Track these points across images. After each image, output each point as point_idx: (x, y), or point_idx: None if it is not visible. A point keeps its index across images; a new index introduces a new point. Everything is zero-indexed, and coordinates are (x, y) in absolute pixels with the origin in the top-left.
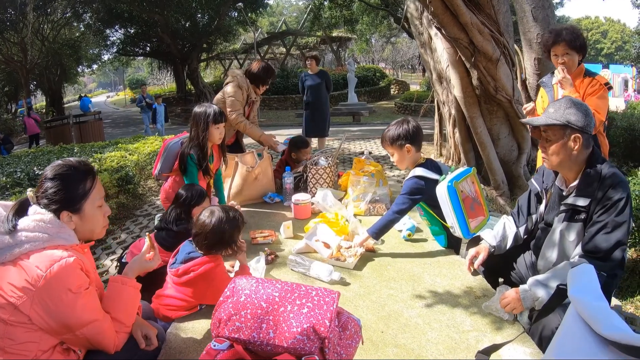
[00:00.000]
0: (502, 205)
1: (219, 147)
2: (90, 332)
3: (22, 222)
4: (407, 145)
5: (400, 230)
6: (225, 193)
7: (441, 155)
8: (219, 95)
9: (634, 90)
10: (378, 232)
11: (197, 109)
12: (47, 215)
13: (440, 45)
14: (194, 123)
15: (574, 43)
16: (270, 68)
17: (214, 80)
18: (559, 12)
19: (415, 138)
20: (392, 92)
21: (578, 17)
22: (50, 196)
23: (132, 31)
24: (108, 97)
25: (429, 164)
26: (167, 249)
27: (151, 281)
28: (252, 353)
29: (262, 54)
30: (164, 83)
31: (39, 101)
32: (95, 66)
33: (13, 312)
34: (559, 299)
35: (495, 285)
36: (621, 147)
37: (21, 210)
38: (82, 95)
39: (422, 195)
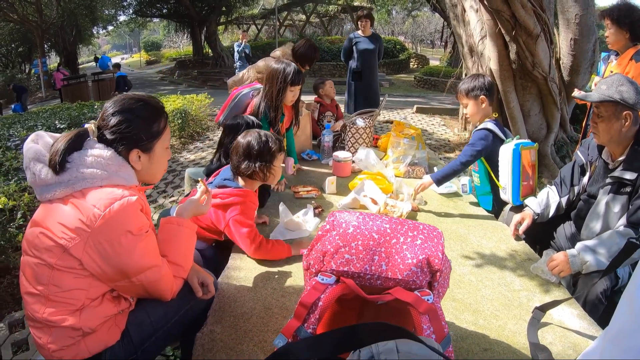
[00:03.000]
0: None
1: (291, 107)
2: (148, 278)
3: (77, 157)
4: (482, 96)
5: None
6: None
7: (465, 129)
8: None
9: None
10: (441, 179)
11: (276, 64)
12: (107, 151)
13: (474, 18)
14: (271, 80)
15: (616, 18)
16: (315, 47)
17: (231, 44)
18: None
19: (489, 90)
20: (411, 66)
21: (604, 4)
22: (122, 131)
23: None
24: (123, 58)
25: (499, 123)
26: None
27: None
28: (360, 287)
29: (281, 21)
30: (179, 46)
31: (53, 62)
32: (110, 27)
33: (62, 255)
34: (628, 253)
35: (535, 252)
36: None
37: (76, 143)
38: (98, 56)
39: (488, 147)
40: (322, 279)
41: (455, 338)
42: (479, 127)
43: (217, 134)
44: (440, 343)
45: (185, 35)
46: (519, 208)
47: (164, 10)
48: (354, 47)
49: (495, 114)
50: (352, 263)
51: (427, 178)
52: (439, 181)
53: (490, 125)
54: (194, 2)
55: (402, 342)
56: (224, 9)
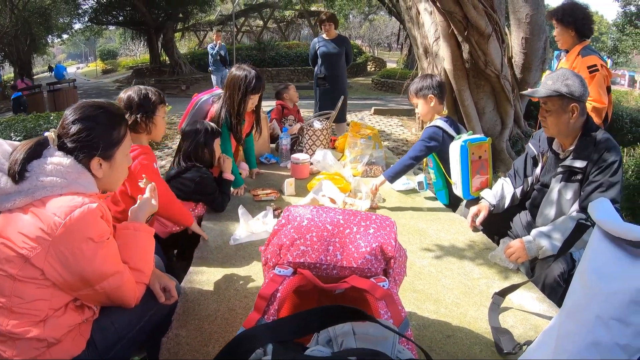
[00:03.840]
0: None
1: (251, 112)
2: (111, 285)
3: (37, 165)
4: (430, 95)
5: (401, 190)
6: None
7: (422, 129)
8: None
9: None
10: (393, 176)
11: (237, 71)
12: (67, 159)
13: (429, 20)
14: (232, 87)
15: (560, 18)
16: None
17: (188, 52)
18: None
19: (438, 90)
20: (369, 69)
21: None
22: (82, 140)
23: None
24: (78, 68)
25: (450, 120)
26: (186, 198)
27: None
28: (317, 278)
29: (238, 27)
30: (136, 54)
31: (7, 72)
32: (65, 36)
33: (23, 266)
34: (579, 234)
35: (493, 242)
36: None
37: (35, 152)
38: (53, 65)
39: (438, 143)
40: (280, 271)
41: (418, 327)
42: (429, 125)
43: (176, 142)
44: (399, 327)
45: (142, 43)
46: (475, 201)
47: (120, 18)
48: (318, 52)
49: (445, 112)
50: (307, 254)
51: (380, 177)
52: (392, 178)
53: (439, 122)
54: (150, 9)
55: (358, 324)
56: (180, 15)
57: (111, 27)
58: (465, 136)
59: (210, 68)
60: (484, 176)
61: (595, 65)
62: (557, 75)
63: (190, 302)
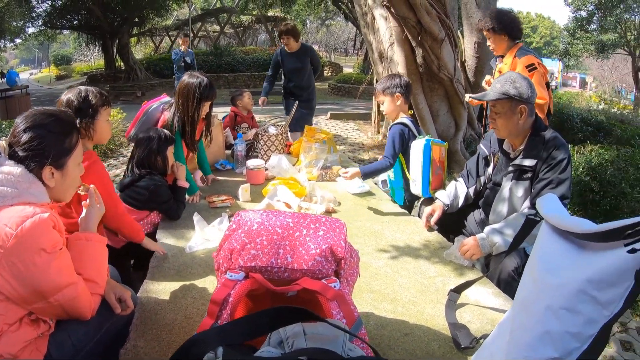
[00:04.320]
0: None
1: (202, 119)
2: (65, 297)
3: None
4: (398, 93)
5: (356, 193)
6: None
7: (379, 133)
8: None
9: (556, 85)
10: (368, 174)
11: (189, 79)
12: (17, 168)
13: (384, 25)
14: (185, 94)
15: (490, 27)
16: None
17: (144, 57)
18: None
19: (404, 89)
20: (325, 74)
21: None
22: (33, 148)
23: (60, 3)
24: (31, 74)
25: (414, 120)
26: (140, 207)
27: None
28: (269, 281)
29: (195, 32)
30: (91, 59)
31: None
32: (18, 40)
33: None
34: (529, 229)
35: (448, 241)
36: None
37: None
38: (4, 71)
39: (404, 139)
40: (231, 276)
41: (376, 326)
42: (395, 122)
43: (131, 150)
44: (352, 327)
45: (97, 48)
46: (429, 201)
47: (75, 22)
48: (285, 68)
49: (411, 112)
50: (258, 258)
51: (356, 168)
52: (366, 175)
53: (405, 120)
54: (105, 13)
55: (308, 325)
56: (136, 20)
57: (65, 32)
58: (427, 136)
59: (175, 75)
60: (440, 177)
61: (533, 64)
62: (505, 78)
63: (148, 312)
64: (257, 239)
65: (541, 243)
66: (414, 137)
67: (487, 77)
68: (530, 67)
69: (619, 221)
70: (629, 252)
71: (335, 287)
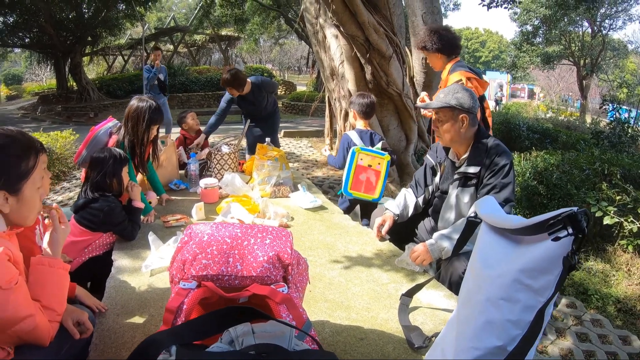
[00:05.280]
0: (392, 190)
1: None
2: (23, 329)
3: None
4: (354, 111)
5: (308, 208)
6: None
7: (332, 149)
8: None
9: (502, 96)
10: (338, 168)
11: (139, 103)
12: None
13: (335, 44)
14: (135, 118)
15: (424, 47)
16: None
17: (96, 77)
18: (443, 22)
19: (358, 107)
20: (279, 93)
21: (460, 28)
22: None
23: (12, 19)
24: None
25: (363, 132)
26: (95, 229)
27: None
28: (221, 289)
29: (148, 51)
30: (42, 79)
31: None
32: None
33: None
34: (470, 230)
35: (401, 249)
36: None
37: None
38: None
39: (345, 147)
40: (184, 285)
41: (331, 333)
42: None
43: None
44: (302, 328)
45: (49, 67)
46: (380, 211)
47: (27, 40)
48: (244, 114)
49: (363, 125)
50: (209, 267)
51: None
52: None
53: (350, 132)
54: (58, 32)
55: (257, 324)
56: (89, 39)
57: (17, 50)
58: (360, 147)
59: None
60: (369, 182)
61: (460, 80)
62: (448, 89)
63: (106, 332)
64: (208, 249)
65: (480, 241)
66: (354, 145)
67: (421, 94)
68: (457, 82)
69: (543, 214)
70: (553, 239)
71: (283, 291)
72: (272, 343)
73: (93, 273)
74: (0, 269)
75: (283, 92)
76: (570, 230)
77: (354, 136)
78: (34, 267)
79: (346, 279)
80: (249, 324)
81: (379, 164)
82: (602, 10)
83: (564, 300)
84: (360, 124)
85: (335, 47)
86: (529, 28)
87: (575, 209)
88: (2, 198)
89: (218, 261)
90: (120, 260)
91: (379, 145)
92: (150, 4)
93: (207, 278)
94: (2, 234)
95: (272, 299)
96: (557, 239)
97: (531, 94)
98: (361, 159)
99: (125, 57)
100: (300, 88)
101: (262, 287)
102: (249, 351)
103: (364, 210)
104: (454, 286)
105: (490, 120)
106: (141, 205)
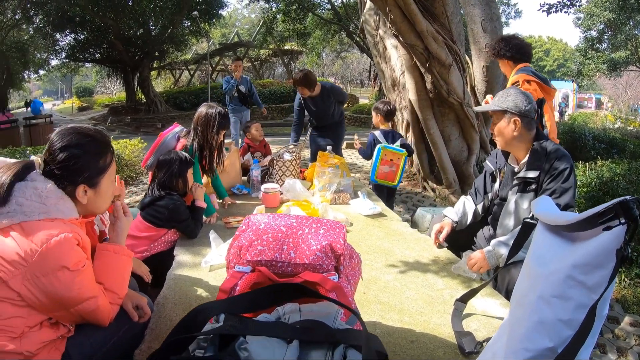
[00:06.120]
0: (454, 202)
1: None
2: (86, 309)
3: (18, 189)
4: (380, 115)
5: (368, 215)
6: None
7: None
8: None
9: (568, 106)
10: (365, 158)
11: (208, 109)
12: (47, 183)
13: (395, 54)
14: (205, 124)
15: (496, 53)
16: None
17: (164, 90)
18: (505, 31)
19: (384, 113)
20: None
21: (523, 36)
22: (69, 167)
23: (83, 37)
24: (54, 104)
25: (386, 132)
26: (160, 225)
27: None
28: (274, 275)
29: (213, 65)
30: (112, 92)
31: None
32: (42, 72)
33: (0, 286)
34: (526, 233)
35: (458, 257)
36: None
37: (21, 175)
38: (28, 100)
39: (372, 144)
40: (239, 268)
41: (382, 334)
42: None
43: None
44: (349, 318)
45: (118, 80)
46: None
47: (97, 55)
48: (310, 116)
49: (386, 125)
50: (264, 253)
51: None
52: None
53: (375, 132)
54: (127, 47)
55: (304, 305)
56: (156, 54)
57: (88, 65)
58: (385, 145)
59: (227, 106)
60: (390, 173)
61: (517, 82)
62: (503, 92)
63: (163, 318)
64: (264, 236)
65: (535, 241)
66: (378, 142)
67: (487, 97)
68: (515, 84)
69: (596, 207)
70: (604, 229)
71: (334, 279)
72: (316, 320)
73: (155, 267)
74: (70, 252)
75: (346, 105)
76: (622, 220)
77: (378, 134)
78: (99, 253)
79: (401, 283)
80: (297, 304)
81: (399, 158)
82: None
83: (627, 319)
84: (383, 125)
85: (395, 57)
86: (594, 33)
87: (627, 197)
88: (82, 191)
89: (273, 248)
90: (181, 256)
91: (398, 142)
92: (214, 20)
93: (261, 263)
94: (74, 220)
95: (323, 286)
96: (608, 228)
97: (599, 104)
98: (385, 154)
99: (191, 71)
100: (363, 101)
101: (314, 274)
102: (294, 325)
103: (389, 195)
104: (511, 294)
105: (550, 125)
106: (204, 204)
